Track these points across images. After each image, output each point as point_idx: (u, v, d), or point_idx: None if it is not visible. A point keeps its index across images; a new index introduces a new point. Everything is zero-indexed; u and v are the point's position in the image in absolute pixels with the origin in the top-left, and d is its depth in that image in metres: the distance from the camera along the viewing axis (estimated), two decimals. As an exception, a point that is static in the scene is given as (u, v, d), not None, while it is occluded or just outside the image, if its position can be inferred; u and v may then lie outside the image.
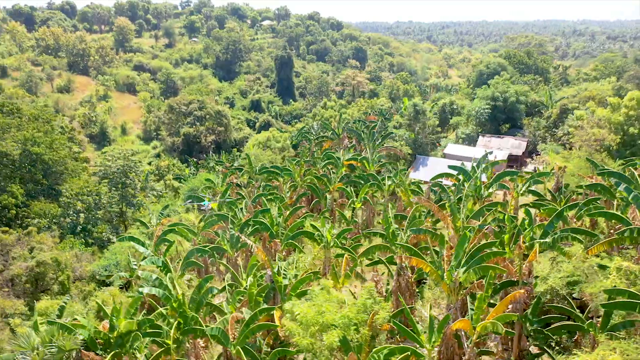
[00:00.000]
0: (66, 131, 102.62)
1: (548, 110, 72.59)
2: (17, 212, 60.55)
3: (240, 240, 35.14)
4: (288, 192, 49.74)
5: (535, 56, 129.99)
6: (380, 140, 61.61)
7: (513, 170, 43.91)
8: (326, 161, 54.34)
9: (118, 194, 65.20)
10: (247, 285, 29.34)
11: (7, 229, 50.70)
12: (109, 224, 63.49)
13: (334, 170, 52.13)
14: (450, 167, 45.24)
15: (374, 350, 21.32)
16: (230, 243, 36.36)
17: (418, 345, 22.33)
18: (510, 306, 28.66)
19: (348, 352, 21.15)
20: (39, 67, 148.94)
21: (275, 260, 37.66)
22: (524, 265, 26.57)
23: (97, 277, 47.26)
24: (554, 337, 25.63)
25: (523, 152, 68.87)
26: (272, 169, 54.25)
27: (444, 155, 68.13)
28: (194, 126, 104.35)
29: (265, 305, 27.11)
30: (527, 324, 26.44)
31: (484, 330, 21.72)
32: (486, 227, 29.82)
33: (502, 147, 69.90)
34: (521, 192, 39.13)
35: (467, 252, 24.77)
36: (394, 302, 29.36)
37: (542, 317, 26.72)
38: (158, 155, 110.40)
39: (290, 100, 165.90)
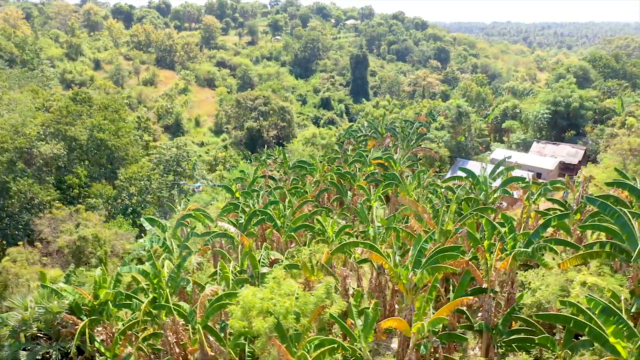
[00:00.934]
0: (142, 121, 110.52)
1: (614, 118, 67.29)
2: (79, 192, 66.68)
3: (220, 228, 36.56)
4: (313, 187, 50.65)
5: (625, 60, 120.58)
6: (414, 141, 60.41)
7: (519, 177, 41.38)
8: (355, 159, 54.59)
9: (170, 180, 69.59)
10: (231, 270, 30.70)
11: (60, 205, 56.18)
12: (159, 207, 67.92)
13: (362, 169, 52.28)
14: (461, 169, 43.56)
15: (306, 340, 21.75)
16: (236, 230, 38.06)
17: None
18: (480, 314, 27.81)
19: (284, 341, 21.75)
20: (130, 61, 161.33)
21: (279, 250, 38.85)
22: (495, 273, 25.44)
23: (136, 254, 51.09)
24: (519, 351, 24.44)
25: (579, 161, 64.44)
26: (300, 164, 55.40)
27: (491, 161, 65.50)
28: (257, 121, 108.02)
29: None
30: (498, 335, 25.46)
31: (419, 332, 21.31)
32: (460, 231, 28.77)
33: (557, 154, 65.87)
34: (534, 200, 36.95)
35: (431, 254, 24.28)
36: (370, 300, 29.37)
37: (513, 328, 25.55)
38: (225, 147, 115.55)
39: (363, 99, 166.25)
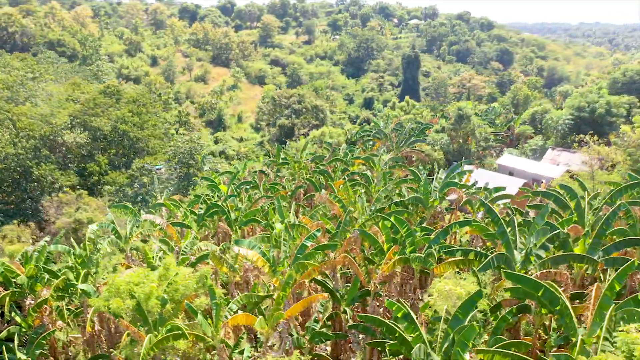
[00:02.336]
0: (182, 115, 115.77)
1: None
2: (99, 179, 71.42)
3: (156, 221, 38.07)
4: (292, 184, 51.27)
5: None
6: (403, 143, 58.85)
7: (455, 182, 39.12)
8: (336, 158, 54.40)
9: (183, 172, 72.70)
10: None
11: (68, 189, 60.54)
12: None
13: (346, 168, 51.98)
14: (410, 169, 41.89)
15: (168, 325, 22.69)
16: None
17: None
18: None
19: (146, 323, 22.85)
20: (187, 58, 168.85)
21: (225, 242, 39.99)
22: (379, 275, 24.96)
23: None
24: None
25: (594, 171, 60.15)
26: (284, 161, 55.99)
27: (497, 167, 62.68)
28: (290, 118, 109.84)
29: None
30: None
31: (260, 326, 21.45)
32: (354, 232, 28.16)
33: (572, 162, 61.92)
34: (478, 206, 35.25)
35: (301, 253, 24.33)
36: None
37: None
38: (261, 143, 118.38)
39: (411, 100, 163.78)
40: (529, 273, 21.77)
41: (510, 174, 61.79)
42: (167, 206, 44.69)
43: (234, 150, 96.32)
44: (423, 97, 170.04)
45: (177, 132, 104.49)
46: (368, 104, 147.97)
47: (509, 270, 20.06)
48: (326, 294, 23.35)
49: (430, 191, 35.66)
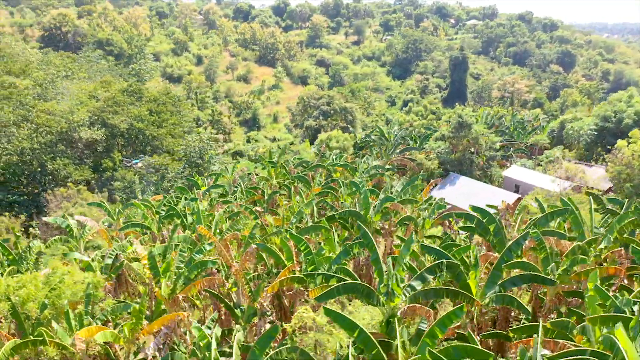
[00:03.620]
0: (215, 114, 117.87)
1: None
2: (112, 175, 73.85)
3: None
4: (269, 189, 50.34)
5: None
6: (392, 150, 55.72)
7: (392, 197, 35.77)
8: (318, 164, 52.73)
9: (194, 171, 73.77)
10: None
11: (71, 184, 62.82)
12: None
13: (329, 175, 50.35)
14: (351, 182, 38.81)
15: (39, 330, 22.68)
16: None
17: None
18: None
19: (21, 327, 22.98)
20: (234, 57, 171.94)
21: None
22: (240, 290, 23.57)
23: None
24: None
25: (611, 187, 54.95)
26: (271, 164, 55.05)
27: (504, 179, 58.52)
28: (317, 120, 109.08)
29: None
30: None
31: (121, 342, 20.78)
32: (250, 247, 26.65)
33: (590, 177, 56.89)
34: (421, 225, 32.43)
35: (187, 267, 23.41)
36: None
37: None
38: (292, 144, 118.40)
39: (457, 103, 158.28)
40: (397, 307, 19.67)
41: (517, 187, 57.86)
42: (137, 206, 45.22)
43: (252, 150, 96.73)
44: (470, 100, 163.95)
45: (205, 130, 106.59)
46: (408, 106, 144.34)
47: (327, 307, 17.98)
48: (185, 313, 22.42)
49: (369, 205, 33.48)
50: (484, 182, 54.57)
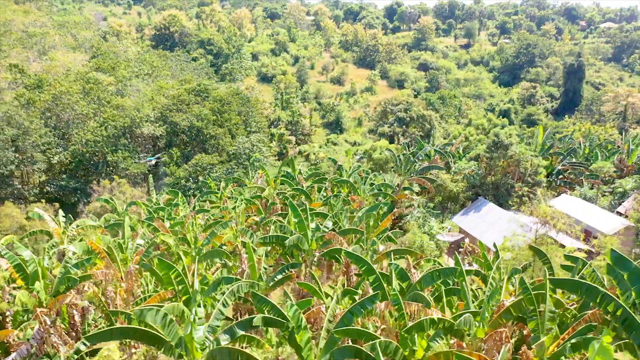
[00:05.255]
0: (295, 115, 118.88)
1: None
2: (164, 171, 77.51)
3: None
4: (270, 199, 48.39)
5: None
6: (409, 167, 49.36)
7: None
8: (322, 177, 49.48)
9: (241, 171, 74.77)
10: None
11: (116, 177, 66.68)
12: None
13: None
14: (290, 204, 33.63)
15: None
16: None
17: None
18: None
19: None
20: (333, 59, 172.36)
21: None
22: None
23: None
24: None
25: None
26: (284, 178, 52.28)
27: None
28: (392, 126, 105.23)
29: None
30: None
31: None
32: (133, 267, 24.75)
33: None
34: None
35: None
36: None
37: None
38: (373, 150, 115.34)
39: (566, 115, 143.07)
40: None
41: (561, 220, 49.89)
42: (139, 205, 46.48)
43: (322, 153, 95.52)
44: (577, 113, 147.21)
45: (279, 130, 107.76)
46: (505, 115, 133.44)
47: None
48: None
49: (306, 232, 30.22)
50: (517, 211, 47.57)
